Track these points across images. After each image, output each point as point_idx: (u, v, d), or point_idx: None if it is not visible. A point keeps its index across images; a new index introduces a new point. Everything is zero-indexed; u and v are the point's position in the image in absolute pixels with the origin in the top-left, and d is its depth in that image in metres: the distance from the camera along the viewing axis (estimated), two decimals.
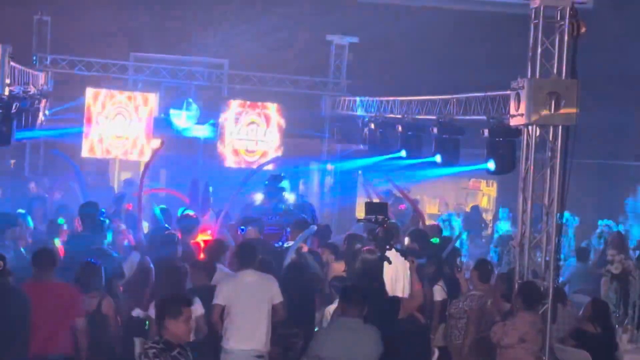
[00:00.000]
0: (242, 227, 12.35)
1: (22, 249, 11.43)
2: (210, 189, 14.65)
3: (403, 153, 15.72)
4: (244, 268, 9.70)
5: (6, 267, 8.60)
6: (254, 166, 17.36)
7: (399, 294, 10.30)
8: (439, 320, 11.03)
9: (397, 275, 10.54)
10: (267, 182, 14.66)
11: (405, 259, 9.97)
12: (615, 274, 12.39)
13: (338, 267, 11.04)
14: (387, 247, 9.63)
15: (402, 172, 17.40)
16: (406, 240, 12.33)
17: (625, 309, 12.05)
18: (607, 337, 10.47)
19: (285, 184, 14.51)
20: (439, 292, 11.13)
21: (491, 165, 12.45)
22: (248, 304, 9.47)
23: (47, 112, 17.50)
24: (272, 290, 9.61)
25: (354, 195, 20.32)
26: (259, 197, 14.19)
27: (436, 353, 10.54)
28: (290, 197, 14.86)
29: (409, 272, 10.05)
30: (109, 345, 9.41)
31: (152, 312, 8.75)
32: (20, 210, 13.38)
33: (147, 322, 9.37)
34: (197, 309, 9.39)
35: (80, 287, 9.35)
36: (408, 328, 9.60)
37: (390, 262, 9.69)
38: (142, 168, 19.72)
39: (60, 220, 12.78)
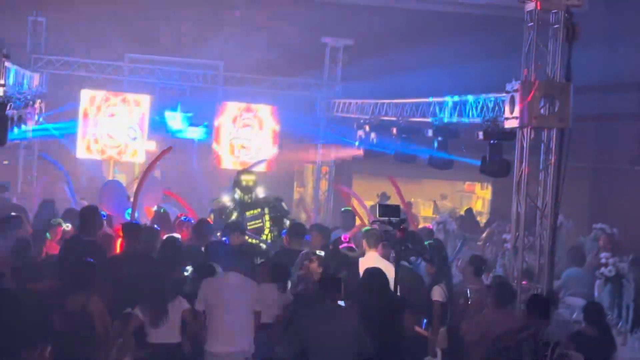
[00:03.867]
0: (225, 238, 12.14)
1: None
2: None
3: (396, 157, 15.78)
4: (228, 270, 9.64)
5: None
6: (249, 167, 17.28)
7: None
8: (440, 322, 10.62)
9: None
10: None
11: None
12: (608, 276, 12.40)
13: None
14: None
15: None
16: None
17: (619, 312, 12.04)
18: (606, 339, 10.36)
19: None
20: (438, 293, 10.65)
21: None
22: (231, 306, 9.35)
23: (40, 115, 17.47)
24: (253, 295, 9.52)
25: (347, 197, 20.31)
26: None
27: (439, 355, 10.47)
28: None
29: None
30: (92, 344, 9.00)
31: None
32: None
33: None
34: (183, 304, 9.37)
35: (67, 285, 9.19)
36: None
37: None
38: (136, 169, 19.85)
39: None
